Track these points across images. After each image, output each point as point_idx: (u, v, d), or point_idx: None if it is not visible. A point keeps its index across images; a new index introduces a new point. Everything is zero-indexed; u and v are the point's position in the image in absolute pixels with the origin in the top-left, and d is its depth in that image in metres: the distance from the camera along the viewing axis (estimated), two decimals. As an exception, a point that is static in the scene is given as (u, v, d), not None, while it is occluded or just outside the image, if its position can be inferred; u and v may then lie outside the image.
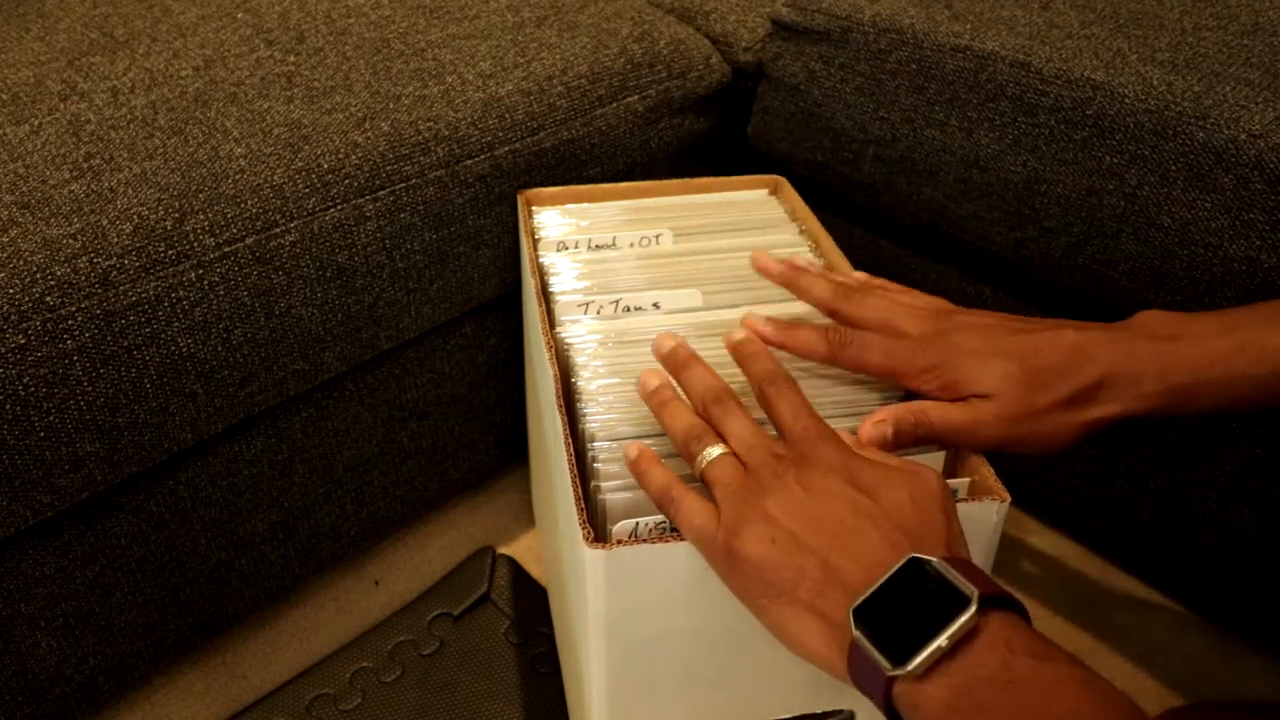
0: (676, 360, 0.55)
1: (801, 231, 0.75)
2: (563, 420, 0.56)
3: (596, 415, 0.58)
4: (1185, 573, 0.85)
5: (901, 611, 0.41)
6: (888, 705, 0.40)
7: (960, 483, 0.54)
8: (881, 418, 0.53)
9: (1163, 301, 0.72)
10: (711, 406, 0.52)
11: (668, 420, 0.53)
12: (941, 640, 0.39)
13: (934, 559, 0.41)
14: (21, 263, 0.59)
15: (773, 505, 0.45)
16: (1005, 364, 0.53)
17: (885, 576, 0.42)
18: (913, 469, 0.47)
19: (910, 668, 0.39)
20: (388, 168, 0.71)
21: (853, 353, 0.56)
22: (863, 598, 0.42)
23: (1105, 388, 0.52)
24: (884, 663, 0.40)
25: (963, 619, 0.39)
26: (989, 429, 0.52)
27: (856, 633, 0.41)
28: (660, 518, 0.51)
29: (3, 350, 0.58)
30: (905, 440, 0.52)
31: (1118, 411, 0.52)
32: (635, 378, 0.60)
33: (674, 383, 0.55)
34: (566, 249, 0.72)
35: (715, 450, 0.49)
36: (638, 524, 0.51)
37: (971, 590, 0.40)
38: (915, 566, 0.42)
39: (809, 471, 0.47)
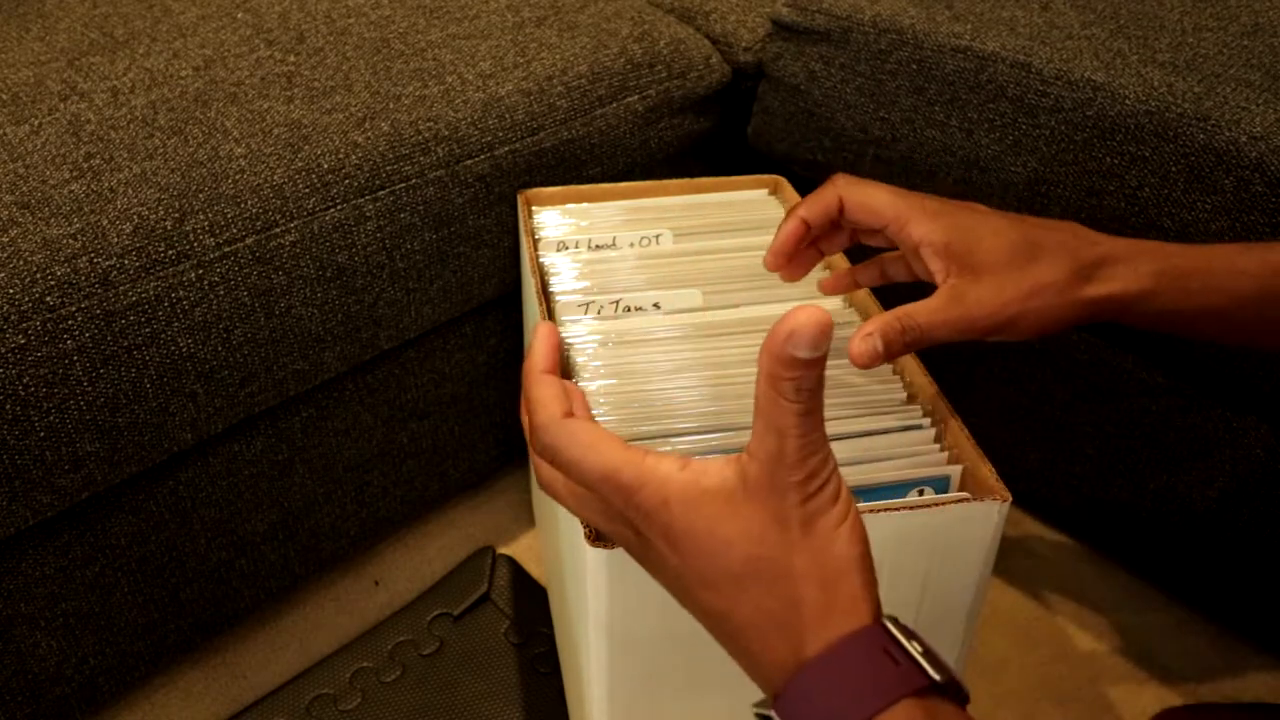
0: None
1: (802, 232, 0.75)
2: (563, 420, 0.56)
3: (598, 416, 0.58)
4: (1185, 573, 0.85)
5: None
6: None
7: (954, 469, 0.54)
8: (868, 330, 0.50)
9: (1163, 302, 0.72)
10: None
11: None
12: None
13: (768, 715, 0.37)
14: (21, 263, 0.59)
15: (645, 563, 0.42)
16: (1011, 231, 0.52)
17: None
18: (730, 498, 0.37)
19: None
20: (388, 168, 0.71)
21: (859, 185, 0.54)
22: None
23: (1107, 265, 0.51)
24: None
25: None
26: (982, 310, 0.50)
27: None
28: None
29: (3, 350, 0.58)
30: (897, 349, 0.50)
31: (1117, 290, 0.51)
32: (636, 378, 0.60)
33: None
34: (566, 249, 0.72)
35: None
36: None
37: None
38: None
39: (644, 551, 0.41)
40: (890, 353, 0.50)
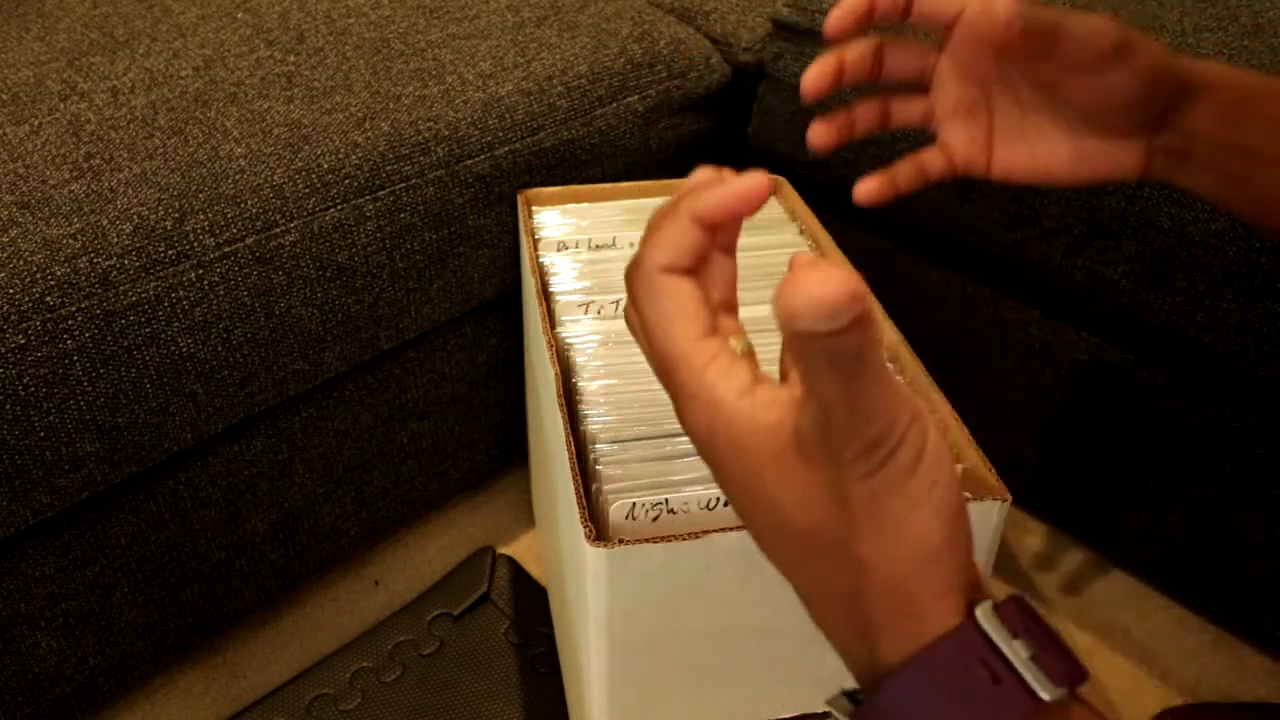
0: None
1: (801, 231, 0.75)
2: (564, 420, 0.56)
3: (598, 416, 0.58)
4: (1185, 573, 0.85)
5: None
6: None
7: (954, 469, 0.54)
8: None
9: (1162, 304, 0.72)
10: None
11: None
12: None
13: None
14: (21, 263, 0.59)
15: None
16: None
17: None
18: (837, 463, 0.29)
19: None
20: (388, 168, 0.71)
21: None
22: None
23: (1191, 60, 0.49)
24: None
25: None
26: (1096, 23, 0.46)
27: None
28: (658, 498, 0.51)
29: (3, 350, 0.58)
30: (1018, 25, 0.46)
31: (1214, 73, 0.48)
32: (636, 378, 0.60)
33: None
34: (566, 249, 0.72)
35: None
36: (634, 504, 0.51)
37: None
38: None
39: (710, 458, 0.34)
40: (1012, 26, 0.47)
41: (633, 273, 0.34)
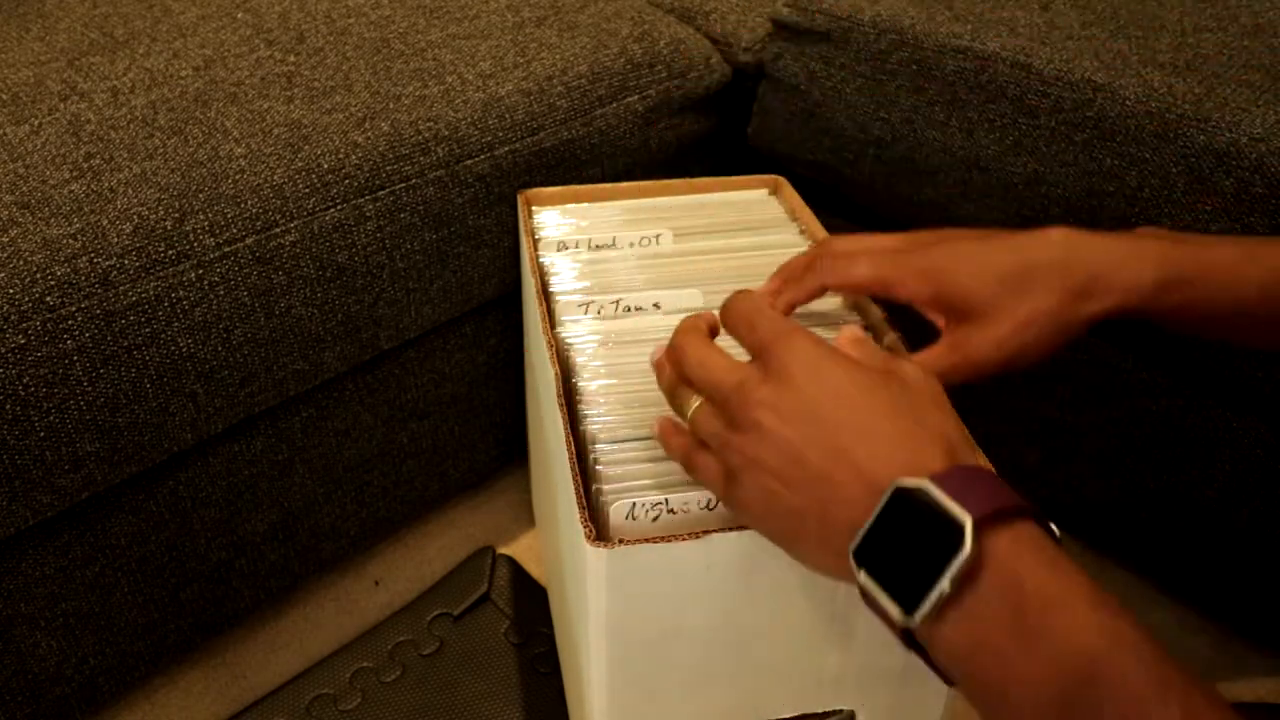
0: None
1: (801, 231, 0.75)
2: (564, 420, 0.56)
3: (598, 416, 0.58)
4: (1185, 573, 0.85)
5: (903, 547, 0.38)
6: (908, 641, 0.39)
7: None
8: None
9: (1163, 302, 0.72)
10: (670, 357, 0.48)
11: (661, 388, 0.50)
12: (943, 584, 0.36)
13: (921, 484, 0.38)
14: (21, 263, 0.59)
15: (753, 449, 0.43)
16: (998, 260, 0.51)
17: (872, 517, 0.39)
18: (890, 368, 0.44)
19: (917, 618, 0.37)
20: (388, 168, 0.71)
21: (840, 267, 0.54)
22: (857, 541, 0.39)
23: (1103, 278, 0.50)
24: (893, 611, 0.38)
25: (959, 560, 0.36)
26: (983, 354, 0.50)
27: (861, 578, 0.39)
28: (658, 498, 0.51)
29: (3, 350, 0.58)
30: None
31: (1117, 303, 0.50)
32: (636, 378, 0.60)
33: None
34: (566, 249, 0.72)
35: (692, 404, 0.46)
36: (634, 504, 0.51)
37: (964, 519, 0.36)
38: (903, 496, 0.38)
39: (780, 391, 0.43)
40: None
41: (737, 294, 0.48)
